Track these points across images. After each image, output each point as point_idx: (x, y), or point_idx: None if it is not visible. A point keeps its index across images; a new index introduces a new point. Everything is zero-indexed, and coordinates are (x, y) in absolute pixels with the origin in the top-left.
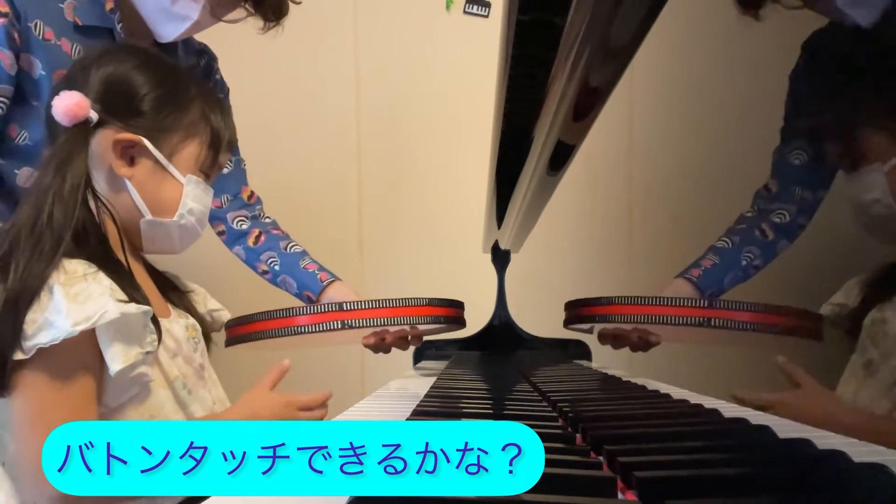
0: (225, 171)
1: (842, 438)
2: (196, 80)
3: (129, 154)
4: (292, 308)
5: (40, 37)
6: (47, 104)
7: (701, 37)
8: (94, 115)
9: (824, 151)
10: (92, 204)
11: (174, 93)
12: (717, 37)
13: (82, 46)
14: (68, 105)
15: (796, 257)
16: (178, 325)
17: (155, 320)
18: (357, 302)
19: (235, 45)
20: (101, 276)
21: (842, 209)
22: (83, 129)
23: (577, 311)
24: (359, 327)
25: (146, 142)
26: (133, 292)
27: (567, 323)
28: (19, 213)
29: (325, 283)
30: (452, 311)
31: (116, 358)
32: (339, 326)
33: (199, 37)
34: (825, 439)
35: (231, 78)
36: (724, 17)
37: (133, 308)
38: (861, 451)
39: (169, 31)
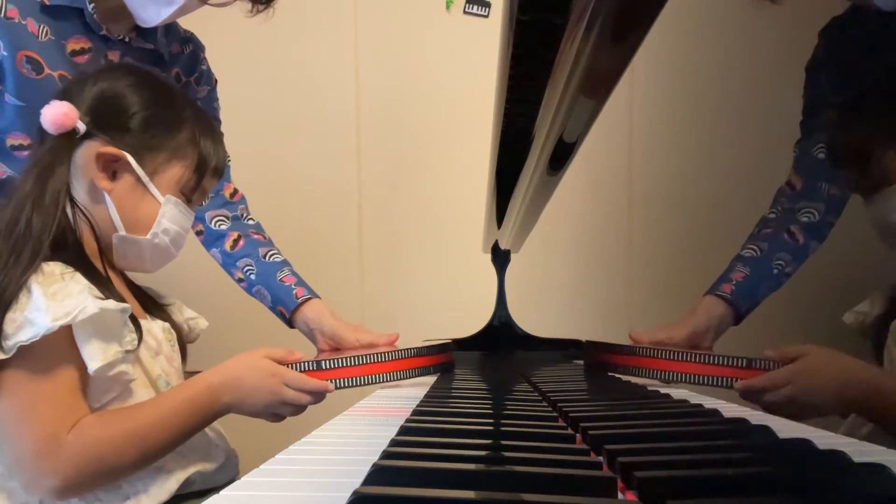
0: None
1: (842, 438)
2: (191, 103)
3: (112, 168)
4: None
5: (2, 14)
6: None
7: (701, 36)
8: (81, 127)
9: (840, 177)
10: (70, 212)
11: (165, 114)
12: (718, 36)
13: (49, 28)
14: (56, 114)
15: (817, 265)
16: (156, 325)
17: (135, 320)
18: (331, 360)
19: (235, 45)
20: (79, 276)
21: (862, 217)
22: (69, 140)
23: (599, 358)
24: (337, 388)
25: (129, 157)
26: (109, 294)
27: (587, 366)
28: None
29: (300, 300)
30: (444, 358)
31: (95, 356)
32: (384, 380)
33: (200, 33)
34: (825, 439)
35: (230, 77)
36: (724, 17)
37: (112, 304)
38: (861, 451)
39: (152, 15)
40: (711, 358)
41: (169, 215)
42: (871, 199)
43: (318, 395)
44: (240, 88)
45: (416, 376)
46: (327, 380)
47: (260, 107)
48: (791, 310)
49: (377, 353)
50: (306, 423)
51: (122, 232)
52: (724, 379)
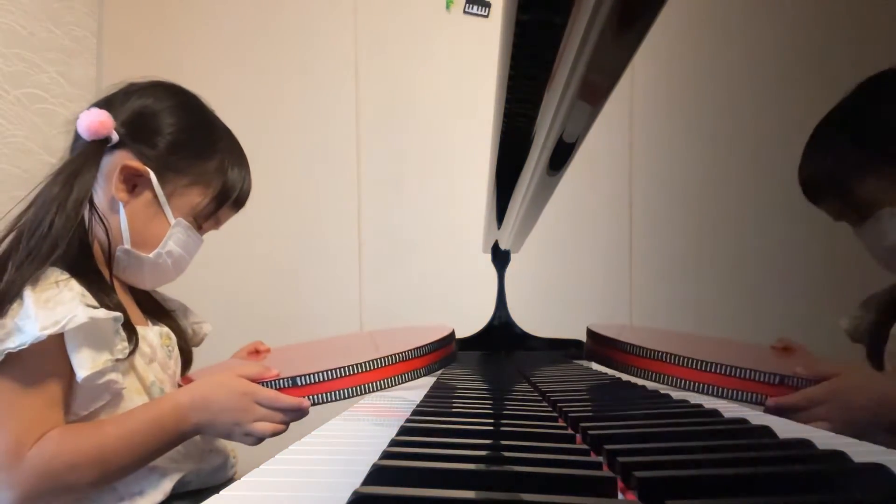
0: None
1: (842, 438)
2: (229, 134)
3: (134, 182)
4: None
5: None
6: (76, 116)
7: (701, 36)
8: (115, 136)
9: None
10: (87, 215)
11: (199, 140)
12: (718, 36)
13: None
14: (92, 121)
15: (811, 269)
16: (152, 332)
17: (131, 328)
18: (307, 376)
19: (235, 45)
20: (73, 282)
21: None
22: (100, 147)
23: (603, 352)
24: (315, 404)
25: (152, 175)
26: (107, 300)
27: (588, 357)
28: (23, 218)
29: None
30: (440, 355)
31: (84, 364)
32: (364, 391)
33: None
34: (825, 439)
35: (231, 77)
36: (724, 17)
37: (102, 313)
38: (861, 451)
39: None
40: (741, 371)
41: (176, 238)
42: (862, 227)
43: (295, 413)
44: (240, 88)
45: (407, 381)
46: (304, 396)
47: (260, 107)
48: (786, 313)
49: (359, 364)
50: (306, 424)
51: (128, 246)
52: (754, 395)
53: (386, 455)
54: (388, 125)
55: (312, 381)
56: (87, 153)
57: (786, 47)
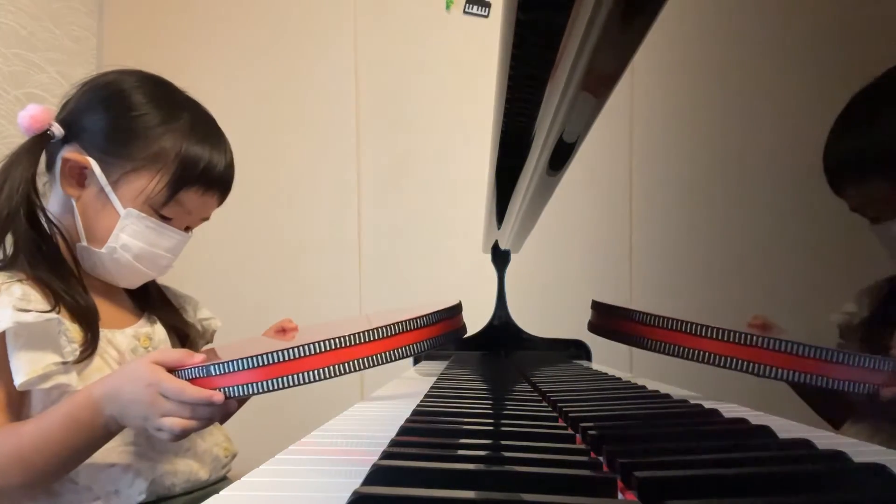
0: None
1: (842, 438)
2: (195, 110)
3: (83, 175)
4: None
5: None
6: None
7: (701, 36)
8: (57, 131)
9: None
10: (42, 218)
11: (140, 122)
12: (718, 36)
13: None
14: (24, 117)
15: (801, 264)
16: (122, 334)
17: (93, 330)
18: (222, 364)
19: (236, 45)
20: (16, 287)
21: (847, 215)
22: (38, 143)
23: (610, 324)
24: (230, 398)
25: (93, 164)
26: (70, 301)
27: (592, 329)
28: None
29: None
30: (412, 339)
31: (20, 369)
32: (291, 383)
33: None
34: (825, 439)
35: (231, 77)
36: (724, 17)
37: (31, 317)
38: (861, 451)
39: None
40: (841, 356)
41: (130, 230)
42: (888, 224)
43: (208, 409)
44: (240, 88)
45: (339, 375)
46: (218, 388)
47: (260, 107)
48: (786, 313)
49: (289, 350)
50: (306, 424)
51: (84, 242)
52: (859, 384)
53: (386, 455)
54: (388, 125)
55: (225, 370)
56: (22, 150)
57: (786, 47)
